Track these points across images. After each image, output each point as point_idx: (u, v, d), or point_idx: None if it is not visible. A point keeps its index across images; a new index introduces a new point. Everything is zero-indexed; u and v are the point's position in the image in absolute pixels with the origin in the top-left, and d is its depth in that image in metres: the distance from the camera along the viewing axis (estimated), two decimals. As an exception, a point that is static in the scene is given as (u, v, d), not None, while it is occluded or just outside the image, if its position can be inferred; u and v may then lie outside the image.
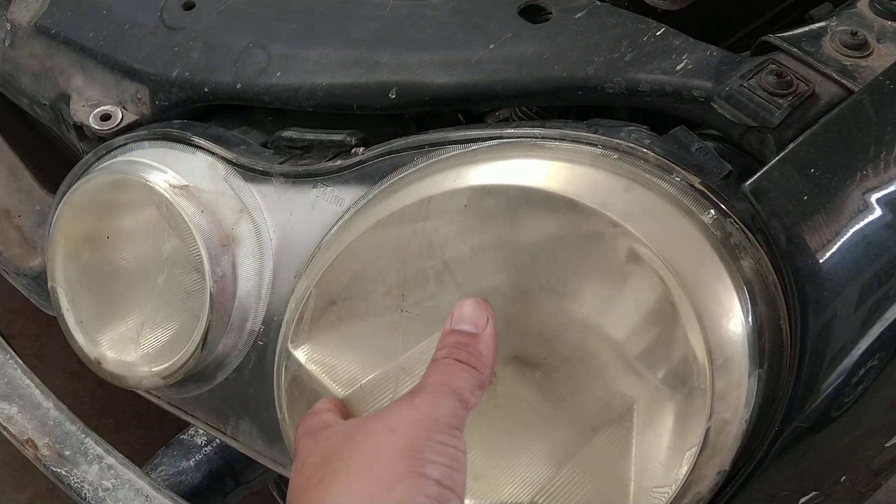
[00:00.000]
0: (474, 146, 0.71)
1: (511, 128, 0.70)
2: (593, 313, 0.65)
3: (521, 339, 0.67)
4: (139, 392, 0.88)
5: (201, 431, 1.01)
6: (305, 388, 0.74)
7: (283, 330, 0.76)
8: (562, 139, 0.68)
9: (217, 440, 1.00)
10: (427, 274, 0.69)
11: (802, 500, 0.74)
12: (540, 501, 0.67)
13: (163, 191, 0.79)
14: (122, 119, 0.86)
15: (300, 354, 0.74)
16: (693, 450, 0.63)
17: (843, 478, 0.77)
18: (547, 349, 0.67)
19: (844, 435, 0.71)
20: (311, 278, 0.74)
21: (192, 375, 0.82)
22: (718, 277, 0.63)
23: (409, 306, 0.70)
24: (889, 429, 0.75)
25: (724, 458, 0.64)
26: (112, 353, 0.85)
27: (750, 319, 0.63)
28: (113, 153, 0.85)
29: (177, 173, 0.80)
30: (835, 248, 0.63)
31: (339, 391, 0.72)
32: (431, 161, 0.72)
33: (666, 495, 0.64)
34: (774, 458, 0.66)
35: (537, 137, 0.69)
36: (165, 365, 0.82)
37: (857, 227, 0.64)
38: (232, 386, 0.83)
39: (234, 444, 0.86)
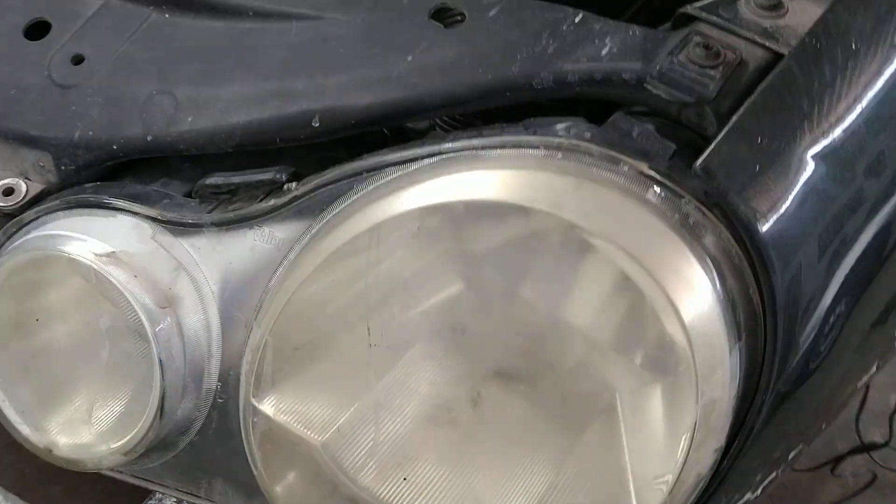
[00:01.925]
0: (414, 165, 0.68)
1: (449, 141, 0.68)
2: (567, 316, 0.64)
3: (499, 354, 0.66)
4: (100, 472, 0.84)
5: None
6: (279, 441, 0.71)
7: (242, 384, 0.73)
8: (502, 146, 0.66)
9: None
10: (389, 302, 0.67)
11: (791, 454, 0.75)
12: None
13: (89, 262, 0.74)
14: (26, 191, 0.80)
15: (267, 407, 0.71)
16: (687, 434, 0.63)
17: (824, 425, 0.78)
18: (527, 359, 0.65)
19: (823, 385, 0.72)
20: (264, 326, 0.71)
21: (155, 445, 0.78)
22: (684, 260, 0.63)
23: (376, 339, 0.68)
24: (860, 370, 0.77)
25: (718, 435, 0.65)
26: (64, 438, 0.80)
27: (722, 296, 0.63)
28: (25, 229, 0.79)
29: (100, 240, 0.75)
30: (791, 209, 0.63)
31: (315, 438, 0.70)
32: (373, 186, 0.69)
33: (667, 483, 0.64)
34: (764, 424, 0.67)
35: (477, 148, 0.67)
36: (124, 440, 0.77)
37: (808, 184, 0.64)
38: (197, 449, 0.80)
39: (210, 506, 0.83)
